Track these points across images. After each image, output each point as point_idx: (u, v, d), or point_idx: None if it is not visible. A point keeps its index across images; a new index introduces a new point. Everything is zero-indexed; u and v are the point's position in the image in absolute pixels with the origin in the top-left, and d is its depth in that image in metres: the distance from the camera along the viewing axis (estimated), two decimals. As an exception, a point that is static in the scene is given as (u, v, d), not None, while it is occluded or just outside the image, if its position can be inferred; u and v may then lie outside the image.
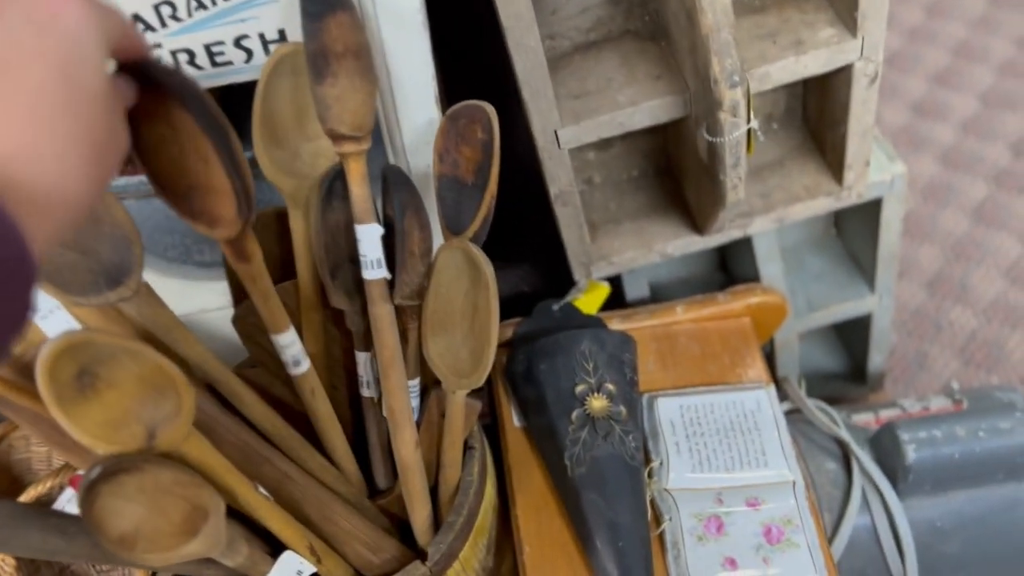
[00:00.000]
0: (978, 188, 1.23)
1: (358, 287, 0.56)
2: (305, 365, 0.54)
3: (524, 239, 0.85)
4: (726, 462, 0.62)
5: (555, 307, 0.71)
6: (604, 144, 0.74)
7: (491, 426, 0.71)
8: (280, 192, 0.53)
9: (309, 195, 0.54)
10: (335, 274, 0.55)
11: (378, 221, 0.52)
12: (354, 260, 0.55)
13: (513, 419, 0.67)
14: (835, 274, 0.86)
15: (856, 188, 0.71)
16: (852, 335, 0.93)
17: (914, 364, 1.08)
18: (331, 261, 0.54)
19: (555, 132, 0.62)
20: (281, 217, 0.58)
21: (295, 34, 0.53)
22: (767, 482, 0.62)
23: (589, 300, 0.72)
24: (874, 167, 0.74)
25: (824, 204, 0.72)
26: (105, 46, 0.32)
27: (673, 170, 0.75)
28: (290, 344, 0.53)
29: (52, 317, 0.49)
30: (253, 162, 0.52)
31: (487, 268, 0.53)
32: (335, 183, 0.52)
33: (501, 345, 0.72)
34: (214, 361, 0.51)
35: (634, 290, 0.79)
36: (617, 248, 0.73)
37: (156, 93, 0.39)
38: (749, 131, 0.58)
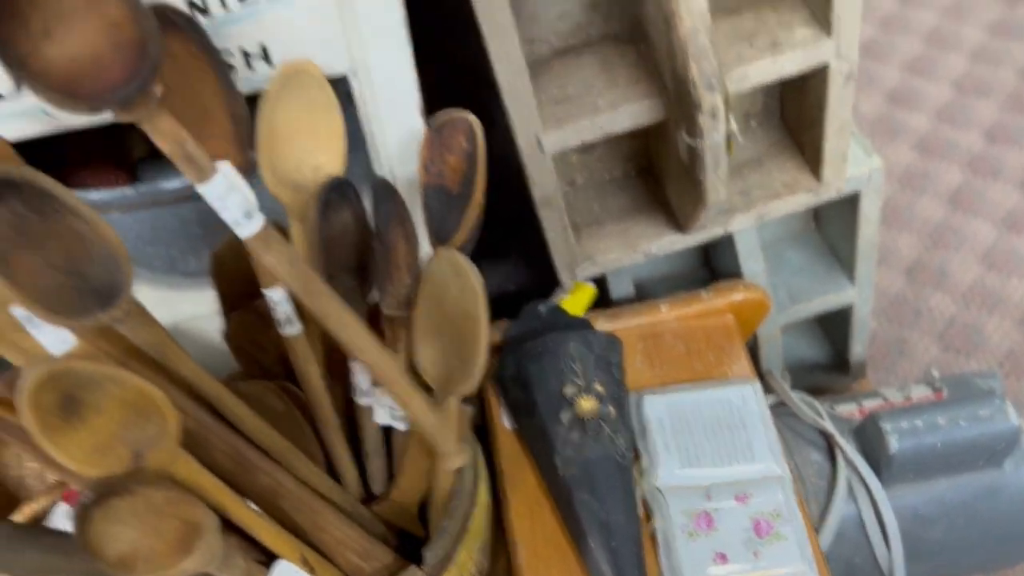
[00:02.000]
0: (953, 175, 1.25)
1: (354, 295, 0.56)
2: (297, 326, 0.55)
3: (508, 236, 0.85)
4: (714, 458, 0.63)
5: (541, 308, 0.72)
6: (586, 147, 0.75)
7: (482, 429, 0.72)
8: (280, 203, 0.54)
9: (307, 206, 0.54)
10: (332, 283, 0.55)
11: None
12: (350, 269, 0.56)
13: (504, 421, 0.68)
14: (815, 267, 0.87)
15: (834, 184, 0.72)
16: (833, 326, 0.95)
17: (894, 350, 1.10)
18: (328, 270, 0.55)
19: (537, 138, 0.63)
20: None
21: (276, 51, 0.53)
22: (755, 477, 0.63)
23: (575, 301, 0.73)
24: (851, 161, 0.75)
25: (803, 200, 0.73)
26: None
27: (654, 171, 0.76)
28: (281, 301, 0.54)
29: (46, 327, 0.50)
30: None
31: (475, 277, 0.53)
32: (332, 195, 0.53)
33: (489, 348, 0.73)
34: (206, 377, 0.52)
35: (619, 289, 0.80)
36: (602, 249, 0.74)
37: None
38: (728, 132, 0.59)
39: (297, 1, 0.51)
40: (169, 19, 0.48)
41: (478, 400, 0.71)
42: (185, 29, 0.48)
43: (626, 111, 0.63)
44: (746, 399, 0.66)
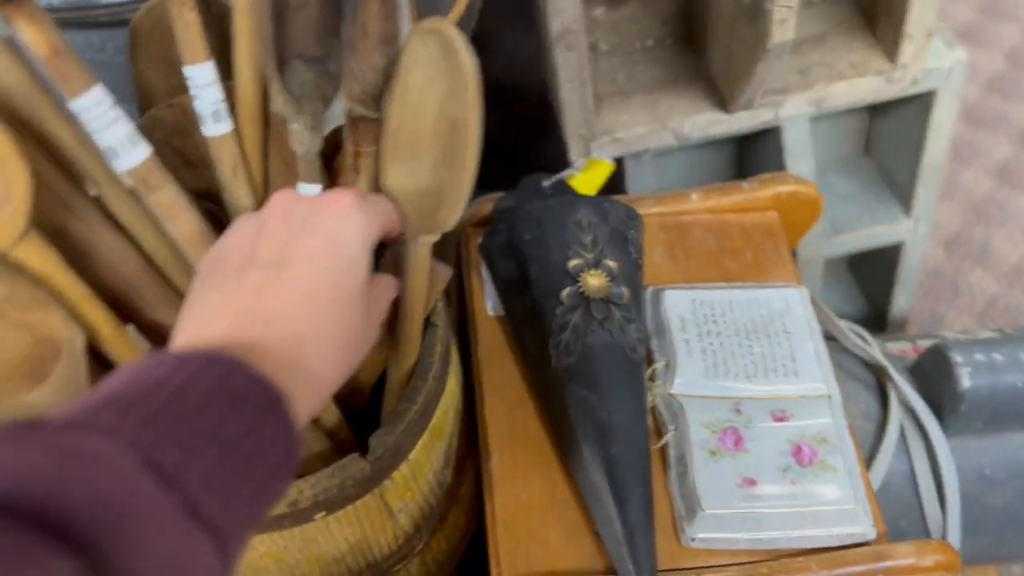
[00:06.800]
0: (1002, 147, 1.13)
1: (313, 91, 0.43)
2: (227, 124, 0.41)
3: (507, 167, 0.73)
4: (746, 368, 0.50)
5: (545, 183, 0.58)
6: (616, 1, 0.62)
7: (460, 320, 0.59)
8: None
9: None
10: (283, 70, 0.42)
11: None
12: (308, 60, 0.42)
13: (487, 307, 0.55)
14: (865, 196, 0.74)
15: (912, 68, 0.60)
16: (875, 276, 0.82)
17: (928, 327, 0.97)
18: (279, 52, 0.41)
19: (564, -59, 0.50)
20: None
21: None
22: (797, 395, 0.50)
23: (587, 179, 0.60)
24: (930, 54, 0.63)
25: (872, 85, 0.60)
26: (370, 248, 0.36)
27: (695, 38, 0.63)
28: (208, 84, 0.40)
29: None
30: None
31: (469, 63, 0.40)
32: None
33: (477, 223, 0.59)
34: (89, 144, 0.38)
35: (638, 182, 0.66)
36: (624, 122, 0.61)
37: None
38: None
39: None
40: None
41: (456, 270, 0.58)
42: None
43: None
44: (790, 304, 0.53)
